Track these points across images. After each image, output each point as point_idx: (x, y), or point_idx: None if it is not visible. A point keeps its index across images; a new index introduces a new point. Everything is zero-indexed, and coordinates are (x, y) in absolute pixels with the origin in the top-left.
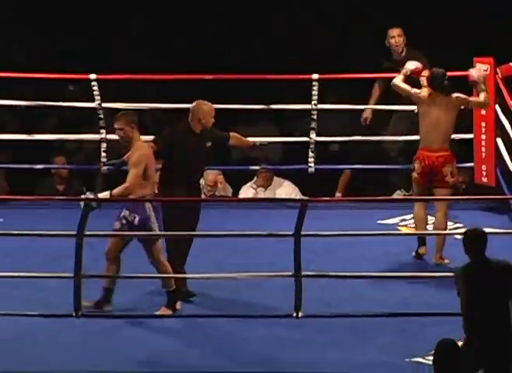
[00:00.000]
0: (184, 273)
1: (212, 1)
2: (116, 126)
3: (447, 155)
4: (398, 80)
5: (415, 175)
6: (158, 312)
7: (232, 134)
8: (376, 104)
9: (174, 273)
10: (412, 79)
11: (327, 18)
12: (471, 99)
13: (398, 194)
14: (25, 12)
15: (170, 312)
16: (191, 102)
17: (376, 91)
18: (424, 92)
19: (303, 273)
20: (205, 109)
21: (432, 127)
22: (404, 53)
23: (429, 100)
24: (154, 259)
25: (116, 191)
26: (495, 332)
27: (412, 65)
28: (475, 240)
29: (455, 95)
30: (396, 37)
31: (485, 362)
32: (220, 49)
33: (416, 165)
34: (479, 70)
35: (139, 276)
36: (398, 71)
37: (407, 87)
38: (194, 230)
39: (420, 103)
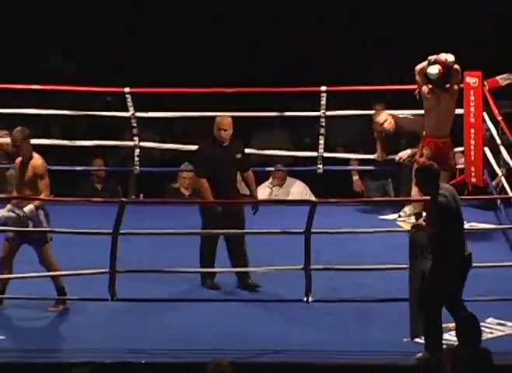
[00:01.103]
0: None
1: (212, 1)
2: (12, 142)
3: (449, 141)
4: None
5: (423, 160)
6: (51, 309)
7: (250, 172)
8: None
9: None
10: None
11: (327, 18)
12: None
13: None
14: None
15: (61, 307)
16: (210, 111)
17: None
18: (424, 89)
19: (313, 266)
20: (216, 121)
21: (438, 118)
22: None
23: (435, 97)
24: (44, 261)
25: (37, 203)
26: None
27: (434, 70)
28: (434, 173)
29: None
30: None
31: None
32: (220, 49)
33: (426, 151)
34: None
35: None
36: None
37: (422, 81)
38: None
39: (427, 99)
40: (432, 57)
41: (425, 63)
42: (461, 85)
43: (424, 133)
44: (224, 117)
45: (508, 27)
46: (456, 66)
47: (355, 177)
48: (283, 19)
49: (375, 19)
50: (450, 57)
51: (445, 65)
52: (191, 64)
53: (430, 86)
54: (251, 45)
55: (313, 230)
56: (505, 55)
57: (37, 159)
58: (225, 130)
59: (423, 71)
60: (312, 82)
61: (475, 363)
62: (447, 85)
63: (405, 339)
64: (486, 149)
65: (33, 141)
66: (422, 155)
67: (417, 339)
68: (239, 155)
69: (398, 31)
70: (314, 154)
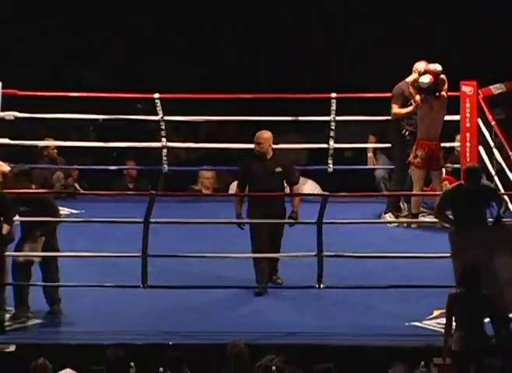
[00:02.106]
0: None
1: (212, 1)
2: None
3: (439, 144)
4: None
5: (418, 160)
6: None
7: (296, 187)
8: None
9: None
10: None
11: (327, 18)
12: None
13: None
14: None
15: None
16: (232, 116)
17: (372, 140)
18: (417, 98)
19: (324, 253)
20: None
21: (430, 123)
22: None
23: (427, 104)
24: None
25: None
26: None
27: (426, 79)
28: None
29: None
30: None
31: None
32: (220, 49)
33: (419, 153)
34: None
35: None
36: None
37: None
38: (277, 231)
39: (421, 107)
40: (421, 67)
41: (415, 75)
42: (449, 93)
43: (417, 137)
44: (262, 132)
45: (507, 29)
46: (442, 75)
47: (370, 154)
48: (283, 19)
49: (375, 19)
50: (438, 67)
51: (435, 74)
52: (192, 64)
53: (423, 95)
54: (251, 45)
55: (324, 221)
56: (504, 55)
57: (3, 166)
58: (258, 144)
59: (415, 82)
60: (314, 84)
61: (477, 305)
62: (437, 93)
63: (406, 324)
64: (481, 149)
65: (71, 143)
66: (416, 157)
67: (416, 323)
68: (278, 169)
69: (398, 31)
70: (324, 146)
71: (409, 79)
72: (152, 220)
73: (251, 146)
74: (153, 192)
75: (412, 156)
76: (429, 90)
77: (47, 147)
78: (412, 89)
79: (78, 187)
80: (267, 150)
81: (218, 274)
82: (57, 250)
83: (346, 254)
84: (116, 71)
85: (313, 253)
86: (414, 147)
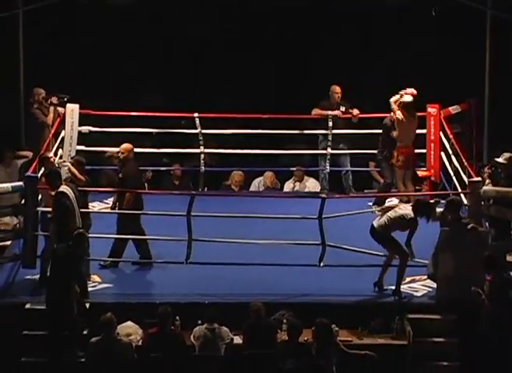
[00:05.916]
0: None
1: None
2: None
3: (414, 148)
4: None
5: (400, 163)
6: None
7: (127, 195)
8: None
9: None
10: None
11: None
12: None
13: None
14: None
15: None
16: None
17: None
18: (399, 115)
19: (327, 243)
20: None
21: (407, 134)
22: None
23: (406, 119)
24: None
25: None
26: None
27: (409, 98)
28: None
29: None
30: (339, 93)
31: None
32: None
33: (401, 157)
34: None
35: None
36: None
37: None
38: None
39: (401, 121)
40: (402, 91)
41: (397, 96)
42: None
43: (398, 144)
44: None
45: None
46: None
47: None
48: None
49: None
50: (415, 91)
51: (414, 95)
52: (225, 91)
53: (403, 112)
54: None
55: (324, 216)
56: (460, 83)
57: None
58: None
59: (397, 101)
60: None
61: None
62: (414, 111)
63: (385, 287)
64: (443, 156)
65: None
66: (398, 161)
67: (393, 287)
68: (120, 175)
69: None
70: (323, 151)
71: (392, 99)
72: (192, 213)
73: (265, 152)
74: (194, 192)
75: (394, 160)
76: (408, 108)
77: (111, 155)
78: (394, 106)
79: None
80: (121, 158)
81: (242, 253)
82: None
83: (344, 246)
84: (167, 96)
85: (319, 242)
86: (395, 153)
